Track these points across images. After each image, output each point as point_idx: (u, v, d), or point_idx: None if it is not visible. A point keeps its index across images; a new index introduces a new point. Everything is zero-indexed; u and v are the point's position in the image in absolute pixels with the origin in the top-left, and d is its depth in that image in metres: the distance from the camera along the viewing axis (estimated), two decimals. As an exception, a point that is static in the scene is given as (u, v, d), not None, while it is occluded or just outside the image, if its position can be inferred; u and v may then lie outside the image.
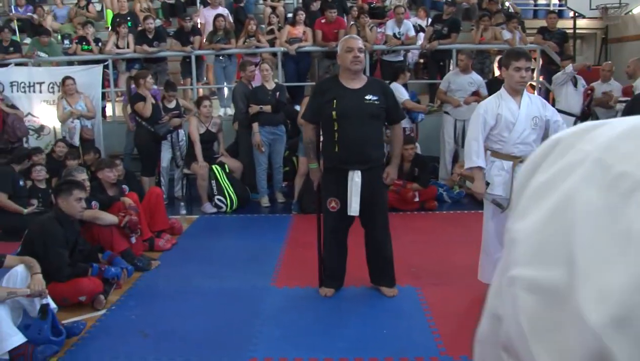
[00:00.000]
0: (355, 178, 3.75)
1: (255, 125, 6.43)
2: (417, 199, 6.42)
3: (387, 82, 7.14)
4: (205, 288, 4.24)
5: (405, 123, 7.01)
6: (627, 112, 5.88)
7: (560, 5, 10.83)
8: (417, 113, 7.05)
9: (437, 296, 4.01)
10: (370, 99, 3.74)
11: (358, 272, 4.17)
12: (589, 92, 7.15)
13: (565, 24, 9.69)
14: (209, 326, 3.60)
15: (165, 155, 6.86)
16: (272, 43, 8.47)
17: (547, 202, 0.52)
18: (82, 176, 4.60)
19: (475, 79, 7.24)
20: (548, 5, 11.10)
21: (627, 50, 10.07)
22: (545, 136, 3.68)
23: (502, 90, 3.73)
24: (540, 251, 0.50)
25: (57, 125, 7.30)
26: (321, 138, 3.97)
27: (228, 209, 6.48)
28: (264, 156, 6.57)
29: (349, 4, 9.58)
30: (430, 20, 8.91)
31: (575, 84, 7.03)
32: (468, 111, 7.17)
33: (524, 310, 0.50)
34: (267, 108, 6.37)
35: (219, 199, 6.50)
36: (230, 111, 8.46)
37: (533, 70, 7.71)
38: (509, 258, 0.55)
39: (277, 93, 6.46)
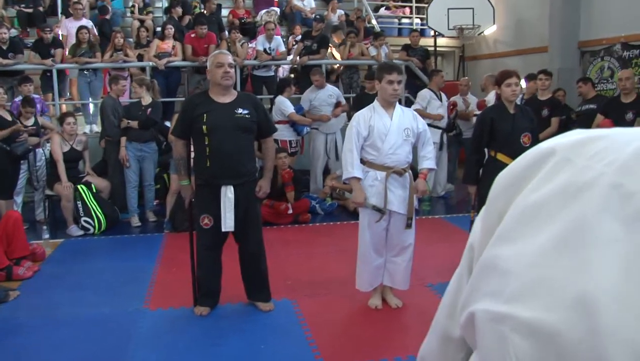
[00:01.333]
0: (228, 194, 3.73)
1: (123, 140, 6.24)
2: (290, 211, 6.50)
3: (271, 96, 7.26)
4: (73, 316, 3.98)
5: (291, 136, 7.12)
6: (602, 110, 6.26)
7: (422, 25, 11.51)
8: (302, 127, 7.16)
9: (313, 307, 4.07)
10: (241, 113, 3.75)
11: (233, 289, 4.13)
12: (452, 106, 7.66)
13: (426, 42, 10.31)
14: (80, 358, 3.39)
15: (22, 176, 6.40)
16: (140, 57, 8.22)
17: (549, 229, 0.44)
18: None
19: (333, 91, 7.54)
20: (411, 24, 11.76)
21: (481, 67, 10.96)
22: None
23: (375, 103, 3.89)
24: (541, 288, 0.43)
25: None
26: (192, 155, 3.91)
27: (96, 231, 6.17)
28: (133, 173, 6.35)
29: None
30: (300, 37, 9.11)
31: (440, 99, 7.50)
32: (337, 123, 7.45)
33: (517, 355, 0.43)
34: (134, 124, 6.17)
35: (85, 220, 6.16)
36: (97, 128, 8.09)
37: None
38: (488, 288, 0.48)
39: (149, 110, 6.26)
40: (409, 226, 3.90)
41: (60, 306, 4.16)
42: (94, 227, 6.16)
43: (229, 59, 3.81)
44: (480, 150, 4.32)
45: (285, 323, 3.82)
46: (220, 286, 4.02)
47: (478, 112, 7.55)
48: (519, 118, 4.28)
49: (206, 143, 3.72)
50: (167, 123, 7.74)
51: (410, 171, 3.92)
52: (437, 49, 10.44)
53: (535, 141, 4.35)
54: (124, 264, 5.14)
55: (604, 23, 7.94)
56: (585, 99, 6.96)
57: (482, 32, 10.28)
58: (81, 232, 6.14)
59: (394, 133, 3.79)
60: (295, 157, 7.36)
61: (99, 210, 6.20)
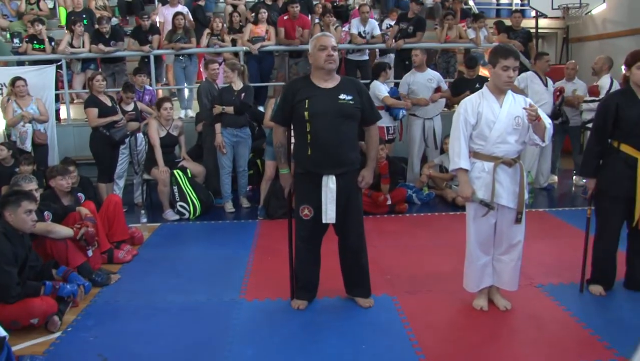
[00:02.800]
0: (329, 184, 3.54)
1: (218, 126, 6.20)
2: (389, 202, 6.27)
3: (367, 81, 7.02)
4: (170, 303, 3.96)
5: (388, 122, 6.87)
6: None
7: (522, 5, 10.86)
8: (398, 110, 6.86)
9: (415, 306, 3.83)
10: (344, 99, 3.54)
11: (331, 282, 3.97)
12: (559, 92, 7.11)
13: (527, 23, 9.71)
14: (176, 347, 3.33)
15: (123, 160, 6.54)
16: (234, 42, 8.22)
17: None
18: (31, 185, 4.23)
19: (434, 75, 7.16)
20: (510, 4, 11.13)
21: (587, 50, 10.18)
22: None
23: (485, 89, 3.57)
24: None
25: (1, 128, 6.85)
26: (292, 141, 3.75)
27: (191, 216, 6.21)
28: (227, 159, 6.32)
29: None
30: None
31: (545, 84, 6.98)
32: (435, 108, 7.11)
33: None
34: (230, 109, 6.12)
35: (181, 205, 6.21)
36: (192, 113, 8.18)
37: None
38: None
39: (243, 95, 6.20)
40: (518, 221, 3.57)
41: (158, 292, 4.16)
42: (189, 212, 6.20)
43: (333, 41, 3.59)
44: (603, 140, 3.88)
45: (386, 322, 3.60)
46: (319, 280, 3.86)
47: (589, 98, 6.99)
48: None
49: (308, 130, 3.53)
50: (261, 108, 7.72)
51: (521, 162, 3.58)
52: (539, 30, 9.82)
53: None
54: (219, 251, 5.10)
55: None
56: None
57: (590, 11, 9.54)
58: (177, 217, 6.19)
59: (502, 121, 3.46)
60: (393, 144, 7.09)
61: (194, 195, 6.23)
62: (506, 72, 3.42)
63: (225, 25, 8.52)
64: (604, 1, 9.14)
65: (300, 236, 3.75)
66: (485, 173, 3.52)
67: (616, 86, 6.70)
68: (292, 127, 3.71)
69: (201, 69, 8.16)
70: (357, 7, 9.24)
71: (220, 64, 7.15)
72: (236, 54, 8.28)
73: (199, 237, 5.70)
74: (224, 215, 6.35)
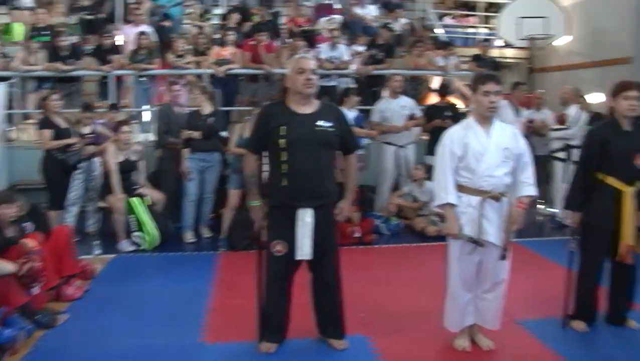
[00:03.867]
0: (306, 218, 3.27)
1: (185, 152, 5.91)
2: (357, 234, 6.02)
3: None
4: (124, 348, 3.56)
5: None
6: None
7: (488, 35, 10.94)
8: (360, 139, 6.67)
9: (393, 347, 3.56)
10: (322, 126, 3.30)
11: (300, 321, 3.64)
12: (529, 123, 7.10)
13: (492, 52, 9.76)
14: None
15: (77, 187, 6.12)
16: (197, 65, 7.93)
17: None
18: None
19: (407, 103, 7.07)
20: (476, 34, 11.21)
21: (550, 79, 10.27)
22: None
23: (469, 119, 3.41)
24: None
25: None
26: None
27: (148, 246, 5.81)
28: (193, 185, 6.01)
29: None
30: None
31: (517, 113, 6.94)
32: (409, 136, 6.97)
33: None
34: (197, 134, 5.84)
35: (137, 235, 5.81)
36: (153, 137, 7.81)
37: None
38: None
39: (211, 119, 5.94)
40: (503, 258, 3.37)
41: (111, 334, 3.76)
42: (147, 242, 5.81)
43: (312, 64, 3.35)
44: (589, 173, 3.75)
45: (363, 368, 3.32)
46: (289, 320, 3.55)
47: (556, 127, 6.97)
48: (637, 136, 3.69)
49: (284, 159, 3.27)
50: (224, 134, 7.41)
51: (507, 196, 3.39)
52: (504, 60, 9.90)
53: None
54: (178, 285, 4.74)
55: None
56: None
57: (554, 41, 9.68)
58: (133, 247, 5.79)
59: (491, 152, 3.29)
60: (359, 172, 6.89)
61: (152, 224, 5.85)
62: (487, 98, 3.28)
63: (190, 46, 8.23)
64: (568, 33, 9.24)
65: (271, 273, 3.44)
66: (471, 208, 3.33)
67: (583, 116, 6.73)
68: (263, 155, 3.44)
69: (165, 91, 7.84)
70: (322, 33, 9.11)
71: (179, 84, 6.85)
72: (199, 77, 7.98)
73: (157, 269, 5.31)
74: (184, 246, 5.99)
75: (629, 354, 3.56)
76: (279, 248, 3.33)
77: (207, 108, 6.02)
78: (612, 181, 3.68)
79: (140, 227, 5.80)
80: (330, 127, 3.31)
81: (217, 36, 8.38)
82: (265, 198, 3.44)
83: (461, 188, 3.36)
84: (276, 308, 3.50)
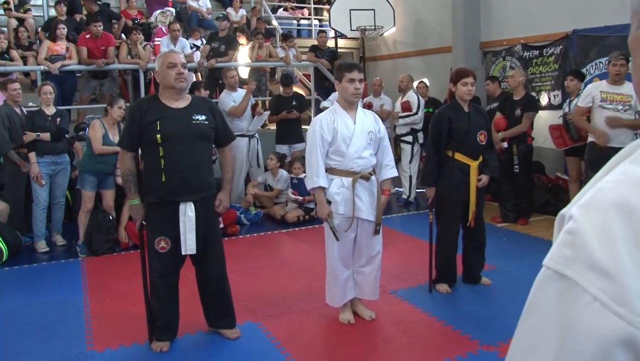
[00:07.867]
0: (188, 212, 3.29)
1: (32, 155, 5.47)
2: (221, 225, 6.04)
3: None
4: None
5: None
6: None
7: (320, 26, 11.40)
8: None
9: (283, 329, 3.73)
10: (198, 119, 3.33)
11: (188, 316, 3.67)
12: (367, 107, 7.54)
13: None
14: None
15: None
16: (24, 61, 7.32)
17: None
18: None
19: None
20: (310, 25, 11.62)
21: (381, 68, 11.06)
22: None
23: (336, 105, 3.66)
24: None
25: None
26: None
27: (-3, 261, 5.33)
28: (44, 191, 5.59)
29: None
30: (204, 40, 8.58)
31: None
32: (255, 125, 7.11)
33: None
34: (46, 135, 5.43)
35: (-17, 250, 5.30)
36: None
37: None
38: None
39: (58, 119, 5.53)
40: (377, 232, 3.70)
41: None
42: (-5, 257, 5.31)
43: (182, 58, 3.36)
44: (440, 151, 4.21)
45: (261, 351, 3.43)
46: (179, 316, 3.55)
47: (404, 114, 7.48)
48: (474, 116, 4.23)
49: (160, 154, 3.25)
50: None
51: (376, 175, 3.71)
52: (338, 50, 10.39)
53: (490, 138, 4.33)
54: (46, 298, 4.43)
55: (504, 25, 8.24)
56: (492, 98, 7.17)
57: (383, 33, 10.37)
58: (-22, 265, 5.26)
59: (358, 136, 3.58)
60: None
61: (-1, 237, 5.36)
62: (352, 85, 3.54)
63: (11, 41, 7.54)
64: (394, 24, 9.97)
65: (157, 271, 3.41)
66: (344, 188, 3.57)
67: (422, 101, 7.38)
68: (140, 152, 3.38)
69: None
70: (159, 26, 8.87)
71: (16, 82, 6.27)
72: (27, 74, 7.37)
73: (15, 284, 4.84)
74: (38, 257, 5.56)
75: (485, 306, 4.08)
76: (162, 244, 3.32)
77: (50, 109, 5.62)
78: (460, 157, 4.18)
79: (-16, 242, 5.29)
80: (205, 120, 3.36)
81: (45, 32, 7.74)
82: (144, 196, 3.39)
83: (333, 170, 3.60)
84: (165, 306, 3.47)
